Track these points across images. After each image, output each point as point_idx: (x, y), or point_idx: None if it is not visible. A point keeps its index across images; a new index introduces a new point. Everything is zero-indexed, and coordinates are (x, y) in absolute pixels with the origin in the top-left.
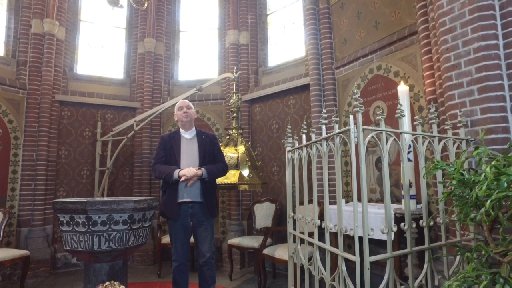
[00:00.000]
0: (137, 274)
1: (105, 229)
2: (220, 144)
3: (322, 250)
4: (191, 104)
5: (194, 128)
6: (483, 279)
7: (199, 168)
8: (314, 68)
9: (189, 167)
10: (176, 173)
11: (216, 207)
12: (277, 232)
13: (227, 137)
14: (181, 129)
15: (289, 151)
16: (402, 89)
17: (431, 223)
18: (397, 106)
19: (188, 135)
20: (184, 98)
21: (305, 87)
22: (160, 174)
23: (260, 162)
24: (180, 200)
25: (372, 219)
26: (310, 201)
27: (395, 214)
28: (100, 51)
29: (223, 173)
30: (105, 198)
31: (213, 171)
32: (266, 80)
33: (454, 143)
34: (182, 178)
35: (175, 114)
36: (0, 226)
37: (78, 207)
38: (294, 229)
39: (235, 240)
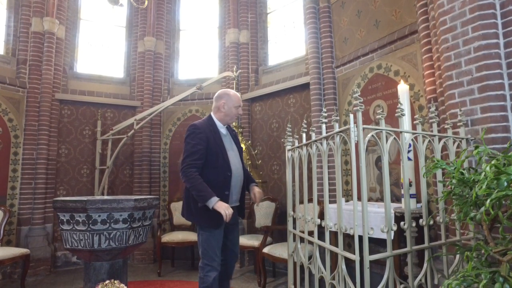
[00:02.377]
0: (137, 273)
1: (105, 227)
2: None
3: (322, 249)
4: None
5: None
6: (483, 278)
7: (256, 186)
8: (314, 67)
9: (229, 203)
10: (214, 202)
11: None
12: (277, 231)
13: None
14: (217, 121)
15: (289, 150)
16: (402, 88)
17: (431, 222)
18: (397, 105)
19: (223, 130)
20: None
21: (305, 86)
22: (193, 188)
23: (260, 161)
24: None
25: (372, 218)
26: (310, 200)
27: (395, 213)
28: (100, 50)
29: None
30: (105, 197)
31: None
32: (266, 79)
33: (454, 142)
34: (224, 217)
35: (225, 104)
36: (0, 225)
37: (78, 205)
38: (294, 228)
39: None
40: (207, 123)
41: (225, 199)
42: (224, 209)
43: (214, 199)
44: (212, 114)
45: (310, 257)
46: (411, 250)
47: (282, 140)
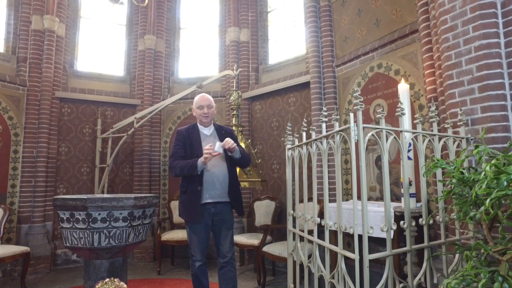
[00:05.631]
0: (137, 271)
1: (105, 226)
2: None
3: (321, 248)
4: (212, 102)
5: (212, 124)
6: (482, 277)
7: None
8: (315, 66)
9: (210, 153)
10: (200, 162)
11: (242, 205)
12: (277, 229)
13: None
14: (199, 125)
15: (289, 148)
16: (403, 87)
17: (431, 222)
18: (398, 104)
19: (207, 131)
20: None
21: (306, 85)
22: (182, 170)
23: (260, 160)
24: (203, 202)
25: (371, 217)
26: (310, 199)
27: (394, 212)
28: (100, 48)
29: (249, 161)
30: (105, 195)
31: (243, 152)
32: (267, 78)
33: (454, 142)
34: (208, 158)
35: (193, 110)
36: (0, 223)
37: (78, 204)
38: (294, 226)
39: (234, 238)
40: (189, 127)
41: (198, 193)
42: (205, 154)
43: (199, 161)
44: None
45: (309, 256)
46: (410, 249)
47: (282, 139)
